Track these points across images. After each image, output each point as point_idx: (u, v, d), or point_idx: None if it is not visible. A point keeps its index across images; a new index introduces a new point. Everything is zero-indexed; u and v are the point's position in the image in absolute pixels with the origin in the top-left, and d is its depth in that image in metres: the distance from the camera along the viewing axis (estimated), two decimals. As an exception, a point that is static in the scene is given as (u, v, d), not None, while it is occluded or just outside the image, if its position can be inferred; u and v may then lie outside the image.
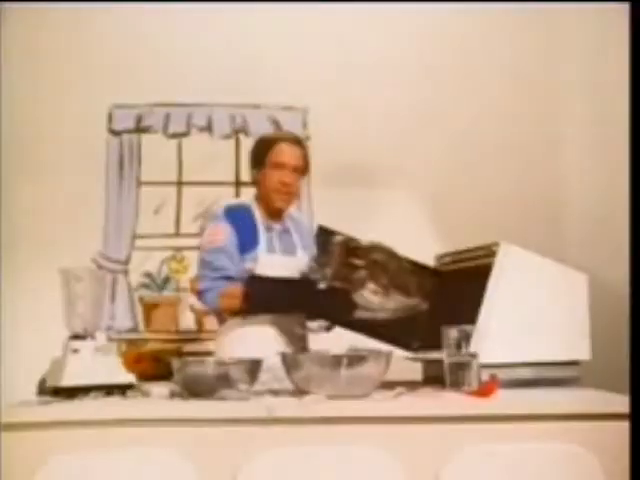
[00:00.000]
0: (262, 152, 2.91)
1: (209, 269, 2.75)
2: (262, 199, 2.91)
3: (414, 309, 2.61)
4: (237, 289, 2.65)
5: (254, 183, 2.95)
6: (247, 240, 2.77)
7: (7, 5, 3.68)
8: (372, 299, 2.56)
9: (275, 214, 2.90)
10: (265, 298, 2.64)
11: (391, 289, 2.55)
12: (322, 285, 2.58)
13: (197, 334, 3.83)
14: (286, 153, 2.87)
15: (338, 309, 2.59)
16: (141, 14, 3.94)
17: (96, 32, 3.94)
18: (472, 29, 4.04)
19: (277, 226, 2.90)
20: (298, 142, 2.95)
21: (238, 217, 2.83)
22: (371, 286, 2.55)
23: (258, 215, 2.87)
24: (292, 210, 3.06)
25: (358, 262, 2.56)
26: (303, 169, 2.92)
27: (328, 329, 2.76)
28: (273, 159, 2.87)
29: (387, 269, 2.58)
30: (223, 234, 2.76)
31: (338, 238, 2.60)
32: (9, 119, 3.82)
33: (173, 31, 3.97)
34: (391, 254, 2.62)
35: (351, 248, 2.58)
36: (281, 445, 2.00)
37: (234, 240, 2.76)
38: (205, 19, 3.96)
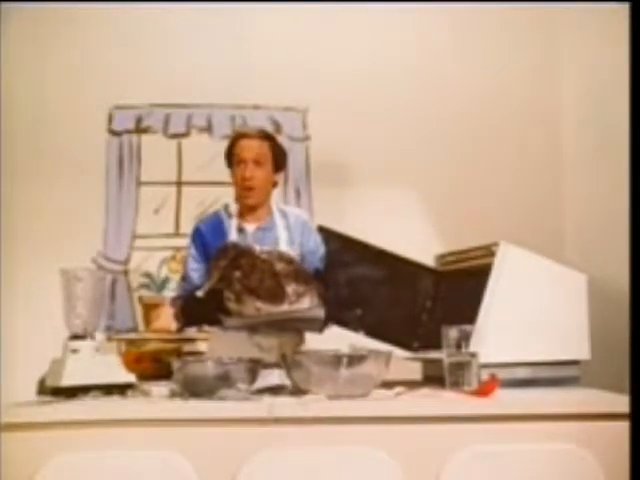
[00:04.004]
0: (229, 151, 2.93)
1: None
2: (236, 197, 2.92)
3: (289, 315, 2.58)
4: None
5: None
6: (216, 248, 2.75)
7: (7, 5, 3.68)
8: (229, 305, 2.57)
9: (250, 211, 2.90)
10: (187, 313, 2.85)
11: (245, 295, 2.55)
12: (199, 293, 2.71)
13: (197, 334, 3.83)
14: (244, 148, 2.88)
15: (211, 315, 2.65)
16: (141, 14, 3.94)
17: (96, 33, 3.94)
18: (471, 29, 4.04)
19: (251, 226, 2.90)
20: (262, 135, 2.93)
21: (206, 231, 2.90)
22: (226, 293, 2.57)
23: (232, 219, 2.89)
24: (282, 205, 3.07)
25: (237, 273, 2.57)
26: (270, 162, 2.90)
27: (321, 330, 2.74)
28: (235, 156, 2.89)
29: (256, 277, 2.56)
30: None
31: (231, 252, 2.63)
32: (9, 119, 3.82)
33: (173, 32, 3.98)
34: (286, 262, 2.60)
35: (238, 258, 2.59)
36: (281, 445, 2.00)
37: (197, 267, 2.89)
38: (205, 20, 3.96)
